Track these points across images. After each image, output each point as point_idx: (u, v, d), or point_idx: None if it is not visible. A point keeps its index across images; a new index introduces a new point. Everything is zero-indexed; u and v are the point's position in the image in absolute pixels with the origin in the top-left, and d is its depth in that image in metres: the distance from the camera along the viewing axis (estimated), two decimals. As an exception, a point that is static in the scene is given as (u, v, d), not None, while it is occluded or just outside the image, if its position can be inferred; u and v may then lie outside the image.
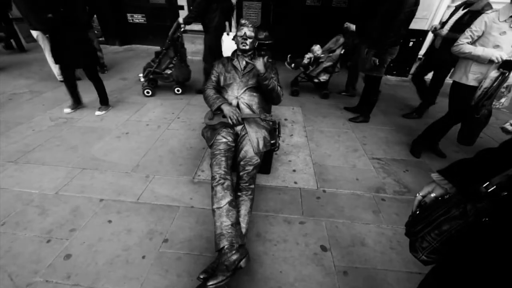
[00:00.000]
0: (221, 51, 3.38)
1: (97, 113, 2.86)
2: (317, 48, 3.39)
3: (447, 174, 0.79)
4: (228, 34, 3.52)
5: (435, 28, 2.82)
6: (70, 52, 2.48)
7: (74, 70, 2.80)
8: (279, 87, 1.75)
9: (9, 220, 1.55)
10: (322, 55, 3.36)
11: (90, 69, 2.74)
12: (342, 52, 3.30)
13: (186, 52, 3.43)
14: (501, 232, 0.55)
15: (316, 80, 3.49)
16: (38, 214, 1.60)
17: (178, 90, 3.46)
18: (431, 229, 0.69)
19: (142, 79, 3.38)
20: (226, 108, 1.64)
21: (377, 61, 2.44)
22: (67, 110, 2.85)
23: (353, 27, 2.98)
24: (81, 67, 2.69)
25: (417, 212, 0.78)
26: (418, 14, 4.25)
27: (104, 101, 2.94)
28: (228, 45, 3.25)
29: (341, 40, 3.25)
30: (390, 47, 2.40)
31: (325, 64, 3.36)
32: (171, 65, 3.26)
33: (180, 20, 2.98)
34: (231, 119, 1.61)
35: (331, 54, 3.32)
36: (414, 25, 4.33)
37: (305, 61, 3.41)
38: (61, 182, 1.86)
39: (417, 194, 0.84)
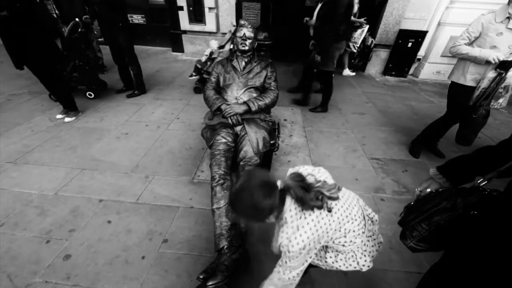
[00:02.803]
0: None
1: (58, 116, 2.70)
2: (213, 43, 3.32)
3: (443, 169, 0.83)
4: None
5: (306, 20, 3.23)
6: (28, 54, 2.21)
7: (56, 74, 2.55)
8: (273, 93, 1.76)
9: (8, 220, 1.54)
10: (218, 50, 3.33)
11: (42, 71, 2.39)
12: (231, 47, 3.27)
13: (96, 54, 3.31)
14: (488, 225, 0.57)
15: None
16: (38, 214, 1.59)
17: (90, 95, 3.16)
18: (422, 219, 0.73)
19: None
20: (223, 106, 1.65)
21: (319, 58, 2.82)
22: (59, 116, 2.73)
23: (312, 22, 3.08)
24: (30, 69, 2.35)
25: (412, 204, 0.82)
26: (417, 15, 4.31)
27: (69, 107, 2.72)
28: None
29: (228, 36, 3.32)
30: (335, 43, 2.71)
31: (218, 59, 3.09)
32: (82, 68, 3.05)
33: (77, 19, 2.86)
34: (231, 119, 1.62)
35: (221, 50, 3.30)
36: (413, 25, 4.39)
37: (203, 57, 3.35)
38: (60, 182, 1.86)
39: (416, 189, 0.88)
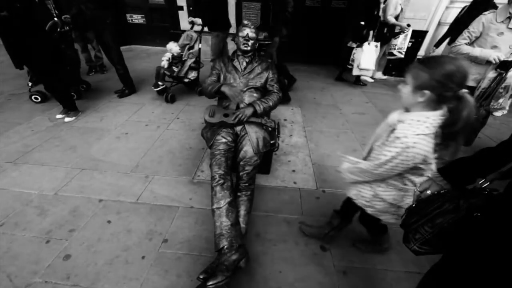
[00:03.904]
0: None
1: (58, 116, 2.70)
2: (174, 46, 3.14)
3: (444, 172, 0.82)
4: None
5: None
6: (28, 54, 2.18)
7: (53, 75, 2.51)
8: (276, 95, 1.77)
9: (8, 220, 1.54)
10: (183, 53, 3.20)
11: (42, 71, 2.38)
12: (200, 47, 3.25)
13: (78, 55, 3.24)
14: (492, 227, 0.57)
15: (186, 80, 3.27)
16: (37, 214, 1.59)
17: (72, 95, 2.95)
18: (425, 221, 0.73)
19: None
20: (227, 89, 1.65)
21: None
22: (59, 115, 2.73)
23: (199, 21, 3.27)
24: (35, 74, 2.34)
25: (413, 205, 0.81)
26: (417, 15, 4.31)
27: (68, 107, 2.73)
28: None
29: (195, 36, 3.22)
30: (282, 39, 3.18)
31: (189, 61, 3.21)
32: None
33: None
34: (233, 99, 1.64)
35: (191, 51, 3.21)
36: (414, 26, 4.38)
37: (164, 63, 3.11)
38: (60, 182, 1.85)
39: (415, 190, 0.87)
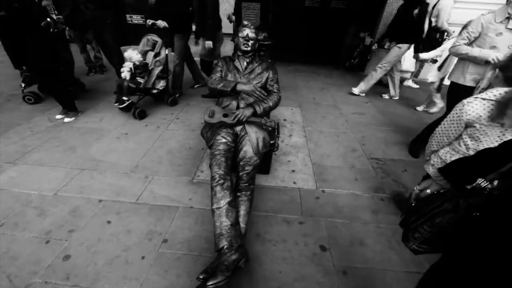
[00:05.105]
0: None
1: (58, 116, 2.70)
2: (134, 54, 2.72)
3: (444, 171, 0.82)
4: None
5: (229, 15, 3.58)
6: (27, 54, 2.17)
7: (52, 74, 2.51)
8: (276, 96, 1.78)
9: (7, 221, 1.54)
10: (147, 61, 2.83)
11: (41, 71, 2.35)
12: (167, 52, 2.88)
13: (72, 56, 3.11)
14: (491, 227, 0.57)
15: (154, 91, 2.89)
16: (37, 215, 1.59)
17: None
18: (424, 221, 0.73)
19: None
20: (246, 87, 1.67)
21: (211, 43, 3.09)
22: (58, 116, 2.73)
23: (163, 23, 2.85)
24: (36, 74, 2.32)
25: (413, 205, 0.82)
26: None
27: (68, 107, 2.72)
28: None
29: (160, 41, 2.80)
30: (212, 34, 3.10)
31: (156, 70, 2.83)
32: None
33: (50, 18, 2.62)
34: (252, 94, 1.66)
35: (158, 58, 2.80)
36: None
37: (126, 75, 2.65)
38: (60, 183, 1.85)
39: (415, 188, 0.88)
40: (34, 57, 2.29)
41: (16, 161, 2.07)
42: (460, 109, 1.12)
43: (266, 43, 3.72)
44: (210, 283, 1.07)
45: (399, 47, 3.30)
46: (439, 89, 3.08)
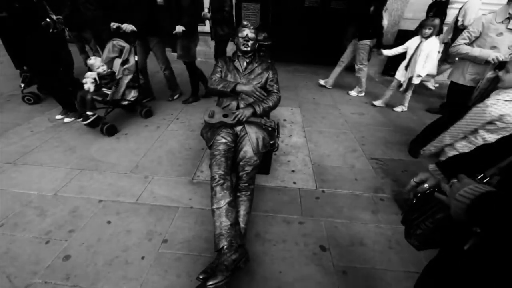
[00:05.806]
0: None
1: (58, 116, 2.69)
2: (98, 62, 2.44)
3: (442, 165, 0.83)
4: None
5: (204, 14, 3.17)
6: (27, 54, 2.16)
7: (51, 74, 2.48)
8: (276, 96, 1.78)
9: (7, 221, 1.54)
10: (114, 70, 2.54)
11: (41, 71, 2.33)
12: (136, 59, 2.54)
13: (72, 57, 3.03)
14: (488, 221, 0.57)
15: (125, 103, 2.56)
16: (37, 215, 1.59)
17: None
18: (426, 217, 0.73)
19: None
20: (246, 88, 1.68)
21: (182, 27, 2.79)
22: (58, 116, 2.72)
23: (130, 27, 2.53)
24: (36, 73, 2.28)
25: (414, 201, 0.82)
26: (416, 15, 4.31)
27: (68, 107, 2.70)
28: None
29: (127, 46, 2.46)
30: (191, 37, 2.93)
31: (126, 79, 2.47)
32: None
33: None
34: (252, 94, 1.67)
35: (126, 66, 2.46)
36: (412, 26, 4.39)
37: (89, 86, 2.37)
38: (60, 183, 1.85)
39: (412, 180, 0.88)
40: (34, 57, 2.29)
41: (16, 161, 2.07)
42: (483, 110, 1.22)
43: (266, 43, 3.72)
44: (210, 283, 1.07)
45: (362, 44, 3.43)
46: (406, 89, 3.12)
